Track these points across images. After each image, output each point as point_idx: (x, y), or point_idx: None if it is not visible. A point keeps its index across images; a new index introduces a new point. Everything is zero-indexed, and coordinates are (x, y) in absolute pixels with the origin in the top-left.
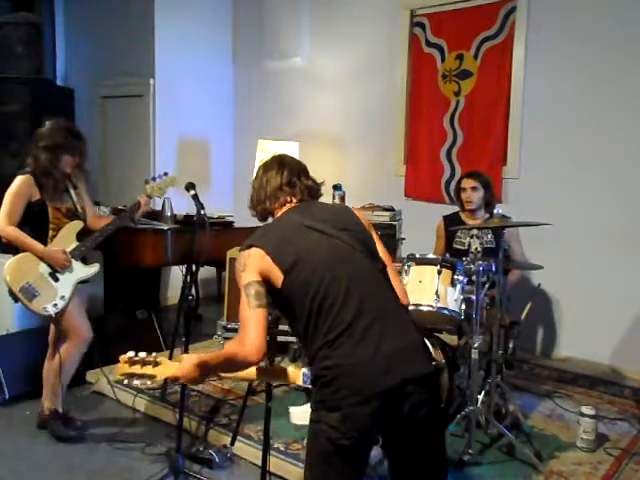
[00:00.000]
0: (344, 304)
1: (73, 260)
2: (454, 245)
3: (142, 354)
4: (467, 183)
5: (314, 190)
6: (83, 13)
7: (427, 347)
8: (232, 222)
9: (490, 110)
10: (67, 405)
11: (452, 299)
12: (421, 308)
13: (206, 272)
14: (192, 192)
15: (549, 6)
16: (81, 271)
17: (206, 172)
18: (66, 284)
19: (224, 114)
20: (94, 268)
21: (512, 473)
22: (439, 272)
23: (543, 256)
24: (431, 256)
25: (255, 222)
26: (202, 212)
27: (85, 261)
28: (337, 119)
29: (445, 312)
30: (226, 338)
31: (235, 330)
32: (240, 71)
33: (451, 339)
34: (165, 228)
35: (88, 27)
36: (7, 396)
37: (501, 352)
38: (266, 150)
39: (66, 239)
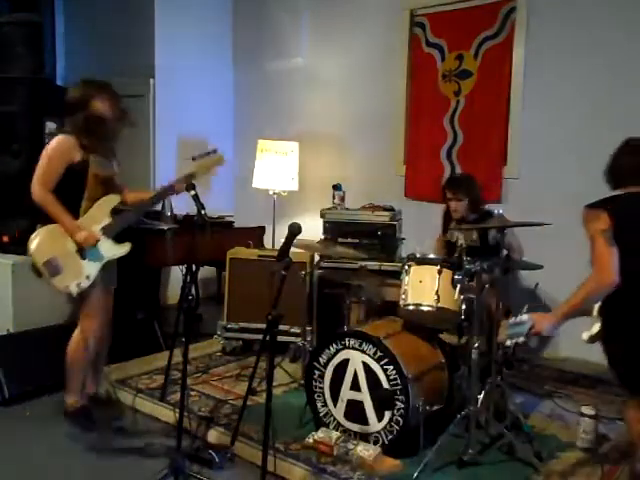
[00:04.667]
0: None
1: (104, 238)
2: (446, 238)
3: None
4: (450, 194)
5: None
6: (83, 13)
7: None
8: (232, 222)
9: (490, 110)
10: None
11: (452, 299)
12: (421, 308)
13: (206, 272)
14: (192, 192)
15: (549, 6)
16: (111, 250)
17: None
18: (93, 263)
19: (224, 114)
20: (125, 248)
21: (512, 473)
22: (439, 272)
23: (543, 256)
24: (431, 256)
25: (255, 222)
26: (202, 212)
27: (117, 239)
28: (337, 119)
29: (445, 312)
30: (226, 338)
31: (235, 330)
32: (240, 71)
33: (451, 339)
34: (165, 228)
35: (88, 27)
36: (7, 396)
37: (501, 352)
38: (266, 150)
39: (100, 214)
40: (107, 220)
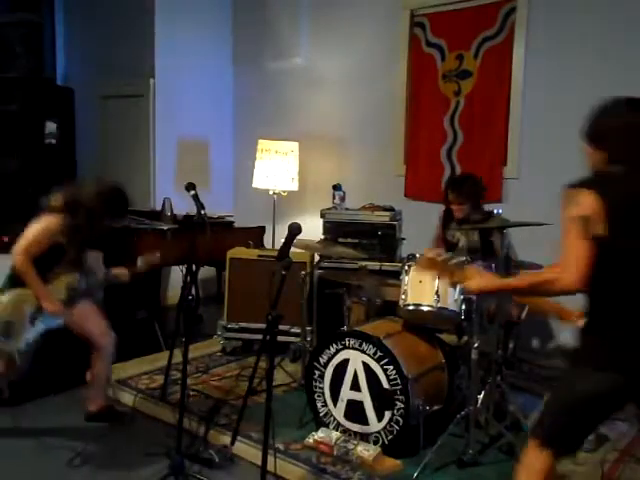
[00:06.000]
0: None
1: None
2: (446, 237)
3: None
4: (452, 197)
5: None
6: (83, 13)
7: None
8: (232, 222)
9: (490, 110)
10: None
11: (452, 299)
12: (421, 308)
13: (206, 272)
14: (192, 192)
15: (549, 6)
16: (53, 321)
17: (206, 172)
18: (36, 330)
19: (224, 114)
20: (60, 320)
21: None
22: None
23: (543, 256)
24: None
25: (255, 222)
26: (202, 212)
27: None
28: (337, 119)
29: (445, 312)
30: (226, 338)
31: (235, 330)
32: (240, 71)
33: (451, 339)
34: (165, 228)
35: (88, 27)
36: (7, 395)
37: (501, 352)
38: (266, 150)
39: (59, 288)
40: (63, 295)
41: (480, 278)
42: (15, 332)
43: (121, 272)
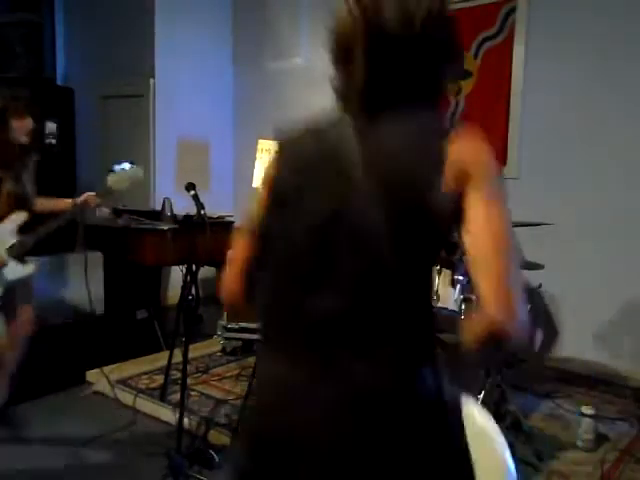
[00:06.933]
0: None
1: (9, 258)
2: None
3: None
4: None
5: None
6: (83, 13)
7: None
8: (232, 222)
9: (490, 110)
10: None
11: (452, 299)
12: None
13: (206, 272)
14: (192, 192)
15: (549, 6)
16: (15, 270)
17: (206, 172)
18: None
19: (224, 114)
20: (29, 268)
21: None
22: (439, 272)
23: (543, 256)
24: None
25: None
26: (202, 212)
27: (22, 259)
28: None
29: (444, 312)
30: (226, 338)
31: (235, 330)
32: (240, 71)
33: (451, 339)
34: (165, 228)
35: (88, 27)
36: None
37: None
38: (266, 150)
39: (5, 233)
40: (12, 240)
41: None
42: None
43: (88, 197)
